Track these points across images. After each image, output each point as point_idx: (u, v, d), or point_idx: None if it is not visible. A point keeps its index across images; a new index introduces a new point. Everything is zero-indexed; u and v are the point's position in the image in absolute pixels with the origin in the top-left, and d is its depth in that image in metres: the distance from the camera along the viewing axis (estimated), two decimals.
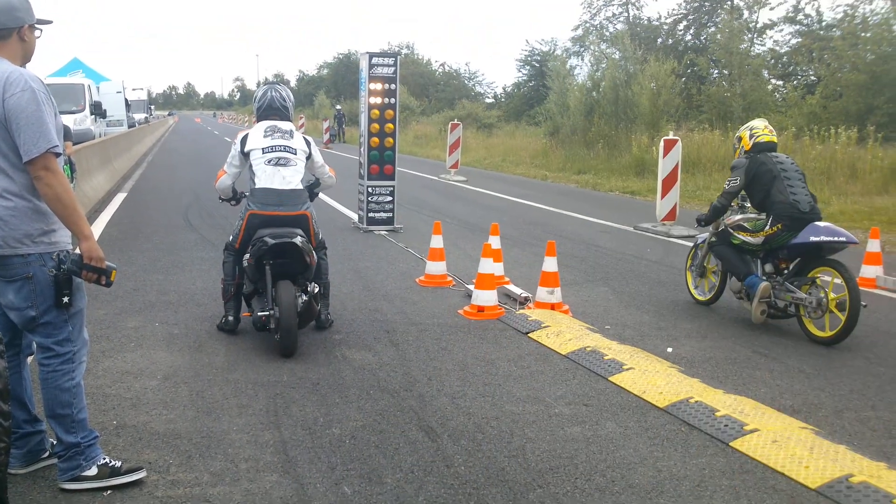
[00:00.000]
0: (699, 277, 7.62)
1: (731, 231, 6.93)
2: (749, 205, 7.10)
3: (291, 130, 6.01)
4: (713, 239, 7.21)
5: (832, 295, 6.16)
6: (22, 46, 3.44)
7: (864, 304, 6.09)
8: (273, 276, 5.60)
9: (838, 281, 6.15)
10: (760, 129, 6.94)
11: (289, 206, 5.76)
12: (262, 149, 5.85)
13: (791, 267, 6.64)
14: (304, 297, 5.52)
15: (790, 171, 6.65)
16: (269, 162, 5.80)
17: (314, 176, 6.36)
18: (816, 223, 6.37)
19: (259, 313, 5.57)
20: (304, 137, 6.09)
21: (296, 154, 5.90)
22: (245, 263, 5.80)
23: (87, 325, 3.70)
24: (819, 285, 6.29)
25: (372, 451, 4.04)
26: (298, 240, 5.55)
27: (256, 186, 5.79)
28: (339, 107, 44.58)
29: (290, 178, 5.80)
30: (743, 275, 6.78)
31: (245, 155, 5.93)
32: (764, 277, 6.69)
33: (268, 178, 5.77)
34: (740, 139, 7.05)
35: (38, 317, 3.41)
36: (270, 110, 6.08)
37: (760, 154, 6.78)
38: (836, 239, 6.26)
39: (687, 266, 7.83)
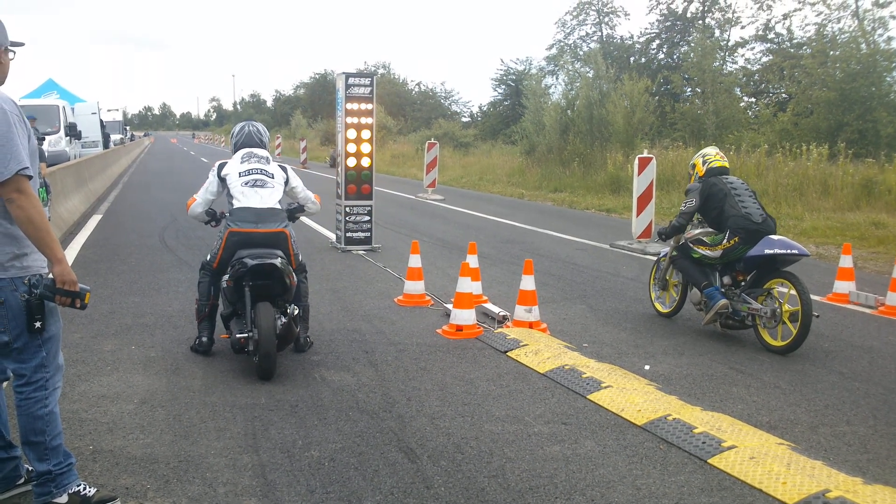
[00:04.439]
0: (661, 290, 7.87)
1: (691, 245, 7.21)
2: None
3: (268, 157, 6.16)
4: (675, 253, 7.48)
5: (787, 307, 6.39)
6: None
7: (816, 314, 6.32)
8: (252, 298, 5.58)
9: (793, 292, 6.35)
10: (712, 155, 7.33)
11: (267, 224, 5.78)
12: (240, 173, 5.96)
13: (748, 279, 6.88)
14: (284, 320, 5.49)
15: (740, 189, 6.99)
16: (246, 184, 5.89)
17: (298, 203, 6.41)
18: (771, 237, 6.64)
19: (238, 335, 5.53)
20: (280, 165, 6.19)
21: (273, 178, 6.00)
22: (224, 285, 5.79)
23: (63, 349, 3.66)
24: (775, 296, 6.52)
25: (351, 474, 4.03)
26: (278, 261, 5.54)
27: (235, 207, 5.83)
28: None
29: (268, 199, 5.87)
30: (703, 285, 7.00)
31: (222, 180, 5.99)
32: (723, 290, 6.91)
33: (246, 198, 5.83)
34: (694, 166, 7.42)
35: (11, 342, 3.36)
36: (248, 145, 6.26)
37: (713, 177, 7.10)
38: (789, 251, 6.52)
39: (651, 280, 8.05)
